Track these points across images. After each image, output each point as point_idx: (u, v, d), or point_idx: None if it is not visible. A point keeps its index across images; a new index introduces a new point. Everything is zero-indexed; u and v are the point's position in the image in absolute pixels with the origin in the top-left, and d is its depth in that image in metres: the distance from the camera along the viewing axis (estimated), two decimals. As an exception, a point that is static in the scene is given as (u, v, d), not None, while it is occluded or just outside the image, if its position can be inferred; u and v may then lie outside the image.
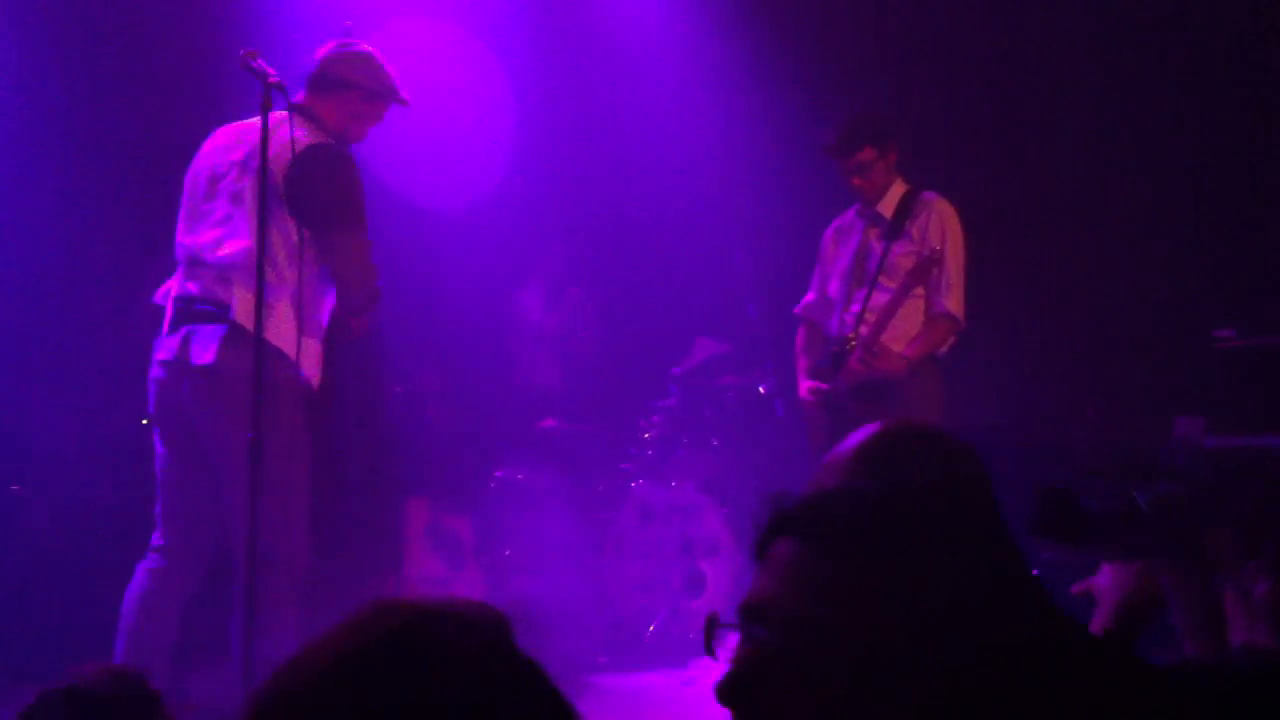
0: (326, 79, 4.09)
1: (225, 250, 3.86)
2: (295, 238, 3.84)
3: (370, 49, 4.16)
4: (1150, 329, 6.09)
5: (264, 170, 3.67)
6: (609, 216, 6.71)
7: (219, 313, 3.81)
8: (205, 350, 3.80)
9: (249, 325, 3.67)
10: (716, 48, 6.62)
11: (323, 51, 4.13)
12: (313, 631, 0.96)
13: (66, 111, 5.21)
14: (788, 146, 6.04)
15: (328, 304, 4.04)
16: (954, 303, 4.90)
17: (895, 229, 4.96)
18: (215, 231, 3.90)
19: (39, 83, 5.42)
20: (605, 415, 6.22)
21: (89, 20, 5.64)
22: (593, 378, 6.45)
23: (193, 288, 3.88)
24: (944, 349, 4.94)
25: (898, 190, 5.02)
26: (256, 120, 3.82)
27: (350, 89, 4.09)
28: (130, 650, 3.79)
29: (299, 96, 4.04)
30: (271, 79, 3.68)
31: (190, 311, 3.86)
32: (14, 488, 5.45)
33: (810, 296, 5.28)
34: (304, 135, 3.90)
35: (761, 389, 5.94)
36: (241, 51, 3.74)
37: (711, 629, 1.20)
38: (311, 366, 3.93)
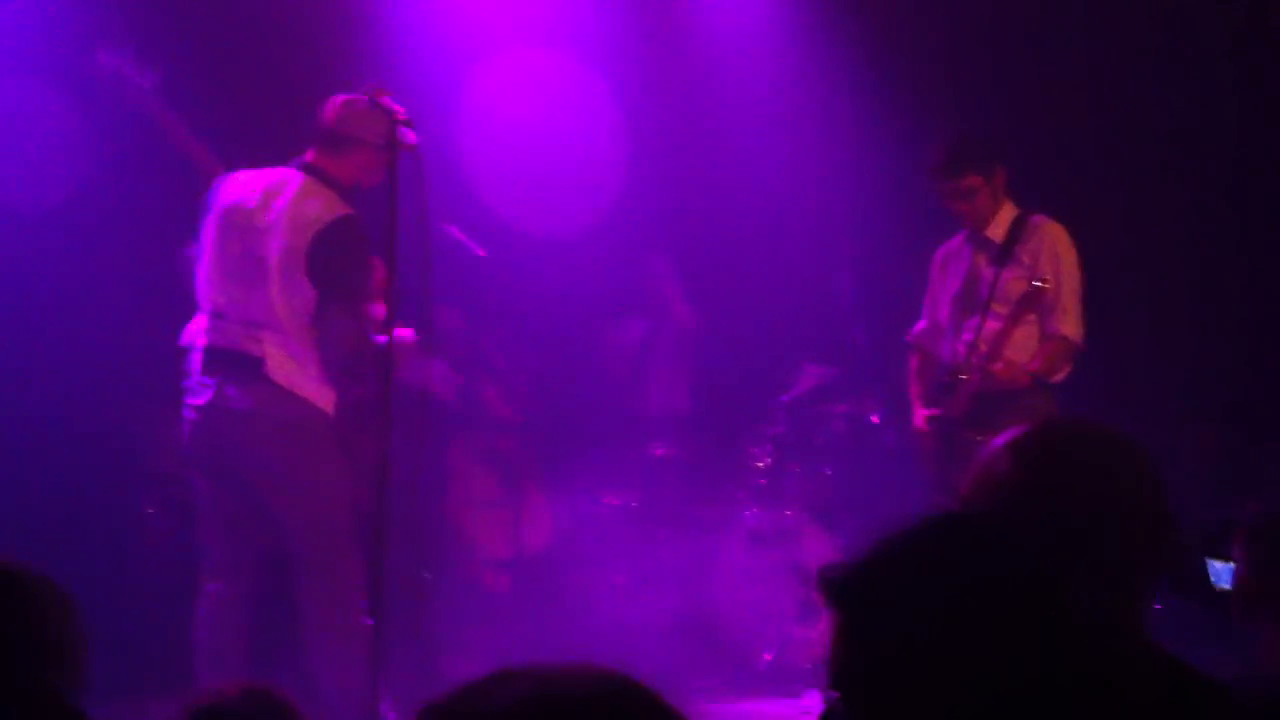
0: (336, 137, 4.23)
1: (255, 310, 4.12)
2: (314, 303, 4.12)
3: (368, 99, 4.21)
4: (1267, 348, 5.93)
5: (393, 208, 3.76)
6: (712, 241, 6.72)
7: (252, 365, 4.10)
8: (244, 397, 4.11)
9: (283, 382, 4.08)
10: (821, 68, 6.59)
11: (330, 109, 4.26)
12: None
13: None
14: (894, 166, 5.99)
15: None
16: (1070, 326, 4.78)
17: (1005, 254, 4.83)
18: (243, 288, 4.15)
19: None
20: (715, 443, 6.22)
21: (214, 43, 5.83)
22: (702, 405, 6.46)
23: (220, 340, 4.16)
24: (1061, 375, 4.82)
25: (1007, 214, 4.88)
26: (276, 174, 4.17)
27: (360, 145, 4.19)
28: (208, 669, 4.13)
29: (310, 155, 4.25)
30: (399, 116, 3.79)
31: (223, 361, 4.14)
32: (149, 510, 5.61)
33: (922, 323, 5.19)
34: (321, 207, 4.14)
35: (874, 419, 5.89)
36: (368, 86, 3.87)
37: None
38: (330, 402, 4.22)
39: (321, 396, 4.16)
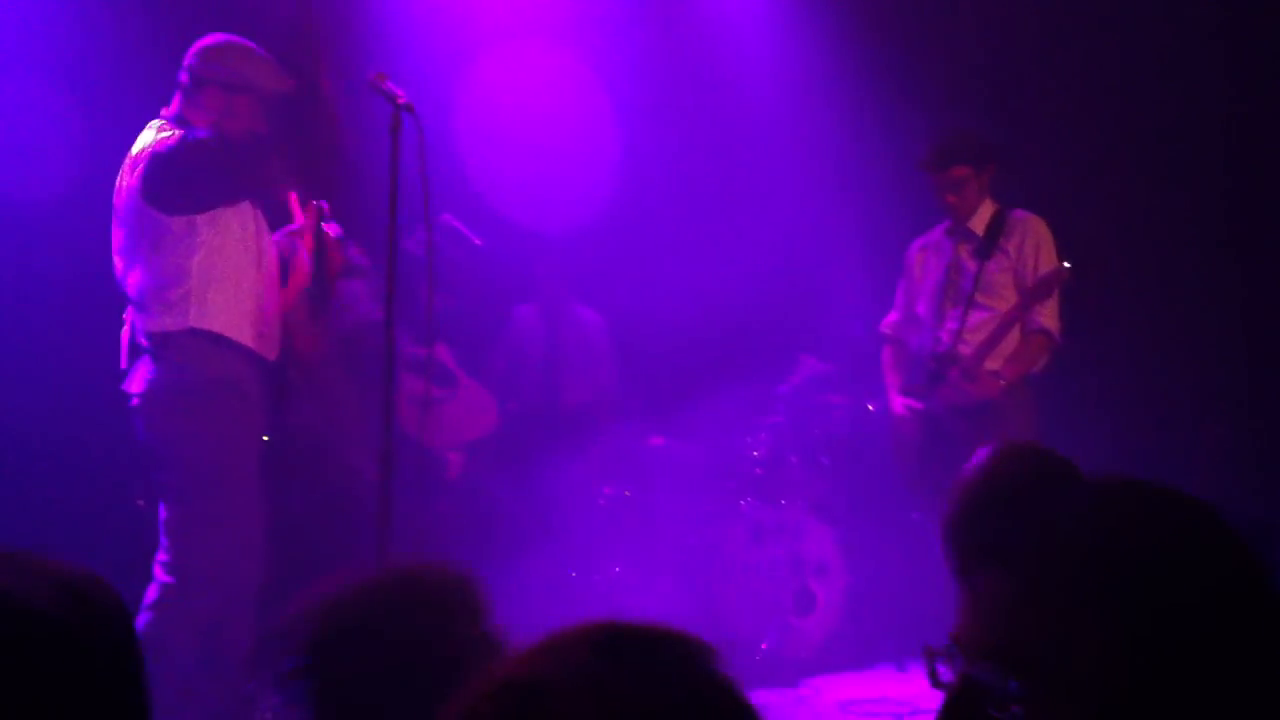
0: (189, 81, 4.05)
1: (126, 279, 4.04)
2: (175, 228, 3.94)
3: (236, 40, 4.07)
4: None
5: (394, 192, 3.69)
6: (711, 233, 6.69)
7: (135, 340, 4.06)
8: (134, 379, 4.06)
9: (156, 330, 3.95)
10: (823, 63, 6.56)
11: (187, 55, 4.08)
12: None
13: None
14: (894, 161, 5.97)
15: (247, 271, 4.09)
16: (1049, 319, 4.94)
17: (989, 247, 5.00)
18: (117, 262, 4.08)
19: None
20: (712, 434, 6.21)
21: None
22: (699, 396, 6.44)
23: (127, 318, 4.12)
24: (1039, 367, 4.98)
25: (988, 209, 5.07)
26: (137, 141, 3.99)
27: (209, 85, 4.04)
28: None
29: (172, 104, 4.08)
30: (401, 101, 3.74)
31: (132, 345, 4.11)
32: (139, 502, 5.59)
33: (895, 315, 5.38)
34: (151, 139, 3.98)
35: (870, 407, 5.89)
36: (372, 74, 3.82)
37: (931, 659, 1.15)
38: (248, 332, 4.05)
39: (224, 322, 3.99)
